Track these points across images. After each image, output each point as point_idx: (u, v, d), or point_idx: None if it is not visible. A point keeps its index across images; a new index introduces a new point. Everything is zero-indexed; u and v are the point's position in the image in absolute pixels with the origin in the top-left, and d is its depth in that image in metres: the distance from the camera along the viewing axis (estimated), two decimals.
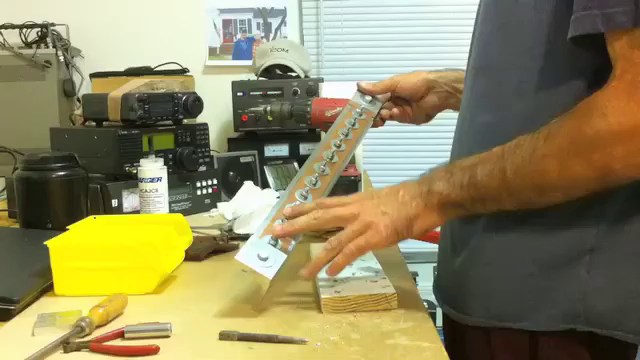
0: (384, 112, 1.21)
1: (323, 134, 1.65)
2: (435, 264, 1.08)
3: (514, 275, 0.82)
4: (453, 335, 0.93)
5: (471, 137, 0.90)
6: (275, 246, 0.89)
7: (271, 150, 1.99)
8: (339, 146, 1.06)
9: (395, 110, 1.22)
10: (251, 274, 0.87)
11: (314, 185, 0.98)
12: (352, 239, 0.85)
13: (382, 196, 0.87)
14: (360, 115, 1.16)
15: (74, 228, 1.09)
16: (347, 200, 0.89)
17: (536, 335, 0.81)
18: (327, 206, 0.89)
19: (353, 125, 1.13)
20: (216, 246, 1.23)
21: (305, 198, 0.96)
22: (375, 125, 1.22)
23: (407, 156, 2.61)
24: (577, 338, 0.80)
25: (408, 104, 1.21)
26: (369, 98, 1.19)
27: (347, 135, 1.10)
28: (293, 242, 0.91)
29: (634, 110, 0.68)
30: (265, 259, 0.87)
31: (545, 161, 0.74)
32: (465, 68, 0.98)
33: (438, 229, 0.94)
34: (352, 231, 0.85)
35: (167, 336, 0.81)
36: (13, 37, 2.29)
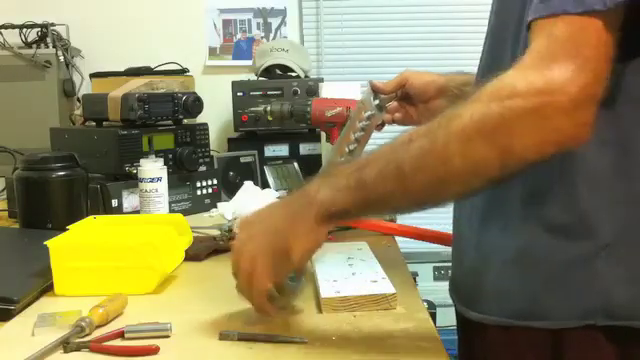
0: (387, 117, 1.20)
1: (323, 134, 1.65)
2: (435, 264, 1.08)
3: (532, 273, 0.80)
4: (470, 335, 0.89)
5: None
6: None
7: (271, 150, 1.99)
8: (352, 151, 1.06)
9: (397, 115, 1.20)
10: None
11: None
12: (248, 289, 0.81)
13: (261, 221, 0.82)
14: (368, 120, 1.16)
15: (74, 228, 1.09)
16: (237, 240, 0.84)
17: (558, 332, 0.79)
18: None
19: (362, 130, 1.13)
20: (216, 246, 1.23)
21: None
22: (376, 129, 1.21)
23: None
24: (598, 332, 0.77)
25: (413, 105, 1.19)
26: (377, 101, 1.18)
27: (358, 141, 1.10)
28: None
29: (543, 86, 0.66)
30: None
31: (448, 148, 0.69)
32: (475, 69, 0.96)
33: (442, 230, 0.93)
34: (241, 280, 0.81)
35: (167, 336, 0.81)
36: (13, 37, 2.29)
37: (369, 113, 1.15)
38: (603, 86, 0.68)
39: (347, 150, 1.05)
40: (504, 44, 0.82)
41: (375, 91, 1.18)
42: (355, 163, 0.78)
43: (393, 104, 1.20)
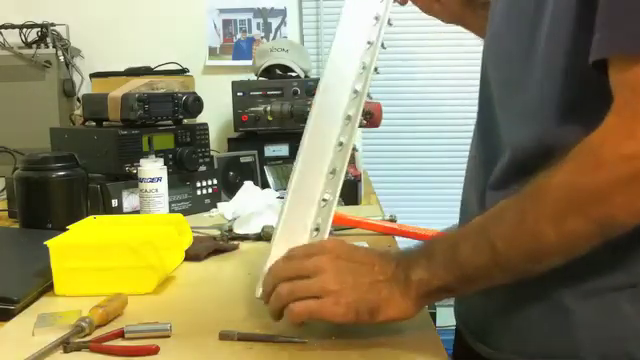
0: None
1: None
2: None
3: (552, 311, 0.74)
4: None
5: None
6: None
7: (271, 150, 1.99)
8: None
9: None
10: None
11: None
12: (306, 296, 0.74)
13: (356, 261, 0.76)
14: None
15: (74, 228, 1.09)
16: (314, 250, 0.78)
17: None
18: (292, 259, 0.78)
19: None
20: (216, 246, 1.23)
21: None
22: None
23: (407, 156, 2.61)
24: None
25: None
26: None
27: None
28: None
29: (633, 151, 0.60)
30: None
31: (539, 225, 0.66)
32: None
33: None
34: (308, 288, 0.74)
35: (167, 336, 0.81)
36: (13, 37, 2.29)
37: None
38: None
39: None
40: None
41: None
42: (448, 237, 0.74)
43: None
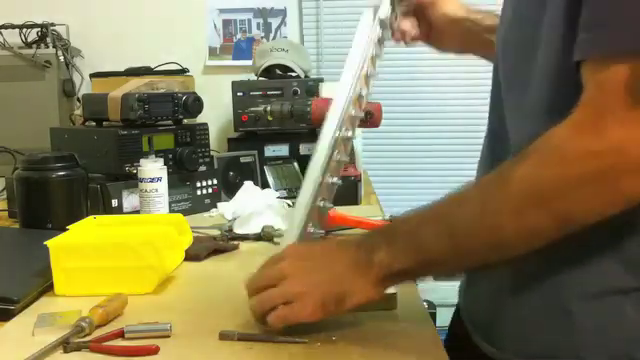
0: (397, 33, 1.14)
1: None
2: None
3: (556, 312, 0.73)
4: None
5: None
6: None
7: (271, 150, 1.99)
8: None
9: (408, 29, 1.14)
10: None
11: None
12: (277, 303, 0.77)
13: (316, 258, 0.80)
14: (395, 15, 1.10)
15: (74, 228, 1.09)
16: (277, 258, 0.81)
17: None
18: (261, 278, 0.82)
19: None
20: (216, 246, 1.23)
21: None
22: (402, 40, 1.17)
23: (407, 156, 2.61)
24: None
25: (425, 20, 1.12)
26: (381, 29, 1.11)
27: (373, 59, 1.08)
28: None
29: (598, 149, 0.60)
30: None
31: (498, 217, 0.67)
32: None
33: None
34: (275, 297, 0.78)
35: (167, 336, 0.81)
36: (13, 37, 2.29)
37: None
38: None
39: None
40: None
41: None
42: (409, 220, 0.76)
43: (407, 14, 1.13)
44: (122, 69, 2.33)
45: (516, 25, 0.80)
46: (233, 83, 2.07)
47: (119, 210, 1.47)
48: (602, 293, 0.71)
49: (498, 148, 0.84)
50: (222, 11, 2.52)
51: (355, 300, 0.76)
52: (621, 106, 0.60)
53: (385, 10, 1.08)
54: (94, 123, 1.67)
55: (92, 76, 2.35)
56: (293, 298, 0.77)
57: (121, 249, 1.00)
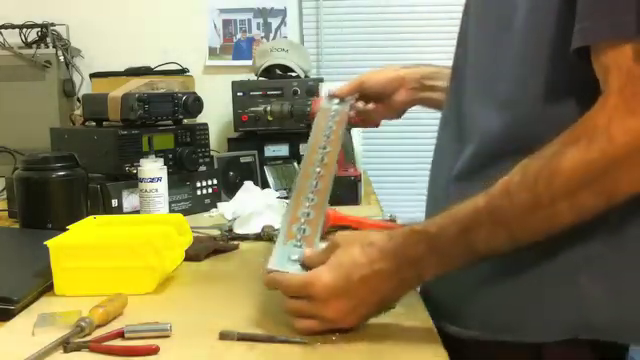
0: (351, 114, 1.24)
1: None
2: None
3: (515, 285, 0.79)
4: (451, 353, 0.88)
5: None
6: (301, 247, 0.88)
7: (271, 150, 1.99)
8: (324, 147, 1.08)
9: (370, 105, 1.24)
10: None
11: (315, 187, 0.99)
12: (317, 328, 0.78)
13: (358, 293, 0.76)
14: (334, 117, 1.19)
15: (74, 228, 1.09)
16: (311, 292, 0.77)
17: (539, 346, 0.78)
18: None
19: (331, 127, 1.16)
20: (216, 246, 1.23)
21: (312, 200, 0.97)
22: (370, 126, 1.24)
23: (407, 156, 2.61)
24: (581, 345, 0.77)
25: (380, 100, 1.22)
26: (337, 100, 1.23)
27: (329, 137, 1.13)
28: (316, 239, 0.90)
29: (637, 128, 0.65)
30: (297, 260, 0.86)
31: (554, 205, 0.69)
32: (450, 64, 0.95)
33: None
34: (320, 325, 0.78)
35: (167, 336, 0.81)
36: (13, 37, 2.29)
37: (331, 115, 1.20)
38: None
39: (321, 149, 1.08)
40: (503, 42, 0.80)
41: (331, 97, 1.23)
42: (454, 221, 0.74)
43: (358, 104, 1.24)
44: (122, 69, 2.33)
45: (483, 14, 0.85)
46: (233, 83, 2.07)
47: (119, 210, 1.47)
48: (557, 270, 0.77)
49: (454, 136, 0.90)
50: (222, 11, 2.52)
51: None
52: None
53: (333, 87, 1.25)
54: (94, 123, 1.67)
55: (92, 76, 2.35)
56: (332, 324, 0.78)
57: (121, 249, 1.00)
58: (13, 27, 2.29)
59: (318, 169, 1.02)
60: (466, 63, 0.89)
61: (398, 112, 1.24)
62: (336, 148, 1.09)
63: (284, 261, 0.85)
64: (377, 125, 1.32)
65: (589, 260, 0.76)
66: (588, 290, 0.76)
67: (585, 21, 0.68)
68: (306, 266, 0.82)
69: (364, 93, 1.22)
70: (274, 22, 2.53)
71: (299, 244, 0.88)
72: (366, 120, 1.28)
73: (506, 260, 0.76)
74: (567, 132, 0.69)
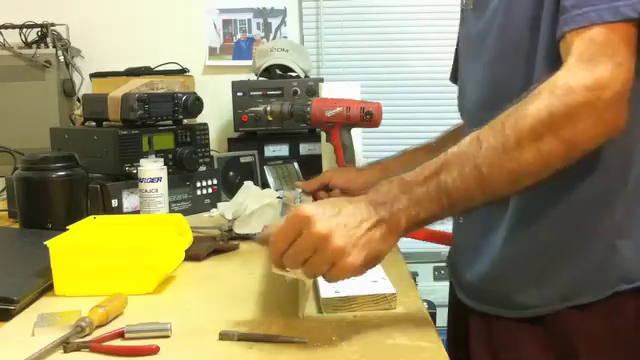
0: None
1: (323, 134, 1.66)
2: (435, 264, 1.08)
3: (579, 258, 0.88)
4: (495, 335, 0.95)
5: None
6: None
7: (271, 150, 1.99)
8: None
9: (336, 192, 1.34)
10: (291, 281, 0.84)
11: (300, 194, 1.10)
12: (324, 271, 0.75)
13: (347, 217, 0.75)
14: (300, 200, 1.29)
15: (74, 228, 1.09)
16: (310, 216, 0.75)
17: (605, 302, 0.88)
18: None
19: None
20: (216, 246, 1.23)
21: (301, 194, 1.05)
22: None
23: None
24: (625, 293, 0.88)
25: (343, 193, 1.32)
26: (300, 190, 1.35)
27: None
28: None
29: (592, 83, 0.74)
30: None
31: (520, 147, 0.75)
32: None
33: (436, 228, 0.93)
34: (323, 262, 0.74)
35: (167, 336, 0.81)
36: (13, 37, 2.29)
37: (298, 198, 1.30)
38: (634, 81, 0.77)
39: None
40: (514, 64, 0.89)
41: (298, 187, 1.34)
42: (425, 168, 0.78)
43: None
44: (122, 69, 2.33)
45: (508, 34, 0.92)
46: (233, 83, 2.07)
47: (119, 210, 1.47)
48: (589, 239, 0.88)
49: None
50: (222, 11, 2.52)
51: (386, 252, 0.78)
52: (606, 55, 0.76)
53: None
54: (94, 123, 1.67)
55: (92, 76, 2.35)
56: (337, 257, 0.73)
57: (121, 249, 1.00)
58: (13, 27, 2.28)
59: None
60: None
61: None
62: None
63: None
64: (377, 125, 1.32)
65: (620, 230, 0.87)
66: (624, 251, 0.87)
67: (573, 10, 0.79)
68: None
69: (329, 189, 1.34)
70: (274, 22, 2.52)
71: None
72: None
73: (570, 240, 0.88)
74: (531, 91, 0.77)
